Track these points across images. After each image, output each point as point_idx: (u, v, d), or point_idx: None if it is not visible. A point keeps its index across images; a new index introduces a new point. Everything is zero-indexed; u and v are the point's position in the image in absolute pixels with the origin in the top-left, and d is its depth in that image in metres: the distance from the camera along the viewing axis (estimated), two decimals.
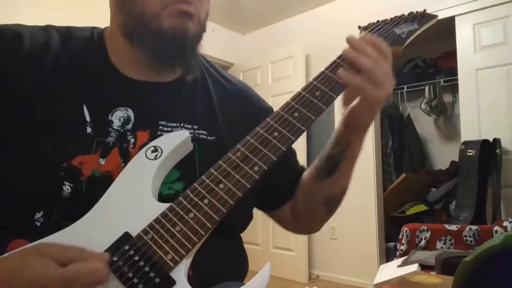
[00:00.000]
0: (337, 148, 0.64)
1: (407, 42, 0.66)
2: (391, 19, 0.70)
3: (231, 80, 0.75)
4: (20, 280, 0.36)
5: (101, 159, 0.55)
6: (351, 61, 0.57)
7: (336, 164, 0.65)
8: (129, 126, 0.58)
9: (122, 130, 0.58)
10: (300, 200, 0.73)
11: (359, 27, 0.69)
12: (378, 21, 0.69)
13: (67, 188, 0.52)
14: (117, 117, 0.58)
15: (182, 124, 0.62)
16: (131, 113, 0.59)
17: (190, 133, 0.61)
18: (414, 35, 0.68)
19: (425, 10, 0.71)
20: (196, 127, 0.63)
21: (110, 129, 0.57)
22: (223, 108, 0.68)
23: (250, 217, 0.70)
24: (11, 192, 0.52)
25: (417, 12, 0.71)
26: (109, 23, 0.65)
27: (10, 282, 0.36)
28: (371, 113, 0.60)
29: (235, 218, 0.62)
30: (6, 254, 0.41)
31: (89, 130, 0.56)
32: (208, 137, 0.63)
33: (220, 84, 0.72)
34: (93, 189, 0.52)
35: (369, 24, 0.68)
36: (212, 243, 0.52)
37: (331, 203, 0.69)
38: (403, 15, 0.71)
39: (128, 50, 0.61)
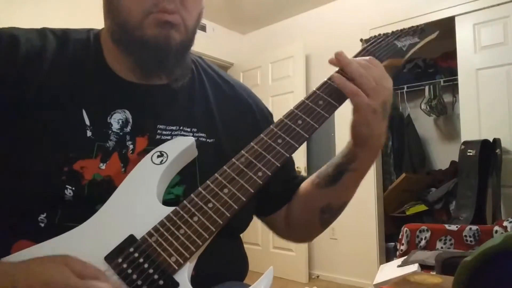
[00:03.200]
0: (344, 158, 0.64)
1: (408, 55, 0.68)
2: (392, 32, 0.72)
3: (229, 81, 0.74)
4: (39, 279, 0.38)
5: (101, 164, 0.55)
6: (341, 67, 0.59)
7: (341, 174, 0.64)
8: (128, 129, 0.58)
9: (121, 133, 0.58)
10: (296, 206, 0.72)
11: (361, 39, 0.71)
12: (379, 34, 0.71)
13: (69, 192, 0.52)
14: (116, 119, 0.58)
15: (181, 127, 0.62)
16: (129, 115, 0.59)
17: (190, 136, 0.61)
18: (415, 48, 0.70)
19: (425, 24, 0.74)
20: (195, 130, 0.63)
21: (110, 131, 0.57)
22: (221, 110, 0.68)
23: (250, 218, 0.71)
24: (15, 194, 0.52)
25: (417, 26, 0.73)
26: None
27: (29, 280, 0.39)
28: (368, 125, 0.58)
29: (236, 219, 0.62)
30: (33, 257, 0.42)
31: (89, 133, 0.56)
32: (208, 140, 0.63)
33: (218, 86, 0.72)
34: (95, 193, 0.53)
35: (371, 37, 0.70)
36: (213, 243, 0.52)
37: (328, 213, 0.68)
38: (404, 28, 0.73)
39: (118, 54, 0.61)
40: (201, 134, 0.63)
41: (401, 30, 0.72)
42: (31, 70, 0.56)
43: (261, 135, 0.55)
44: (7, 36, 0.58)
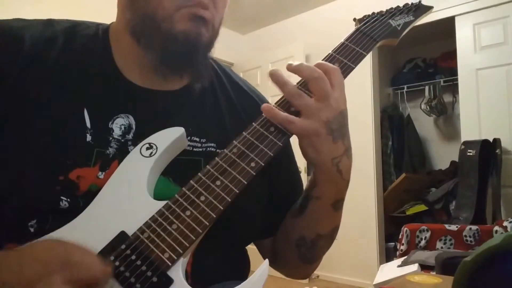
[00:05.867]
0: (308, 184, 0.60)
1: (403, 34, 0.66)
2: (387, 10, 0.69)
3: (243, 87, 0.70)
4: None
5: (100, 173, 0.51)
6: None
7: (307, 202, 0.60)
8: (130, 136, 0.55)
9: (123, 140, 0.54)
10: (278, 236, 0.67)
11: (354, 19, 0.68)
12: (373, 13, 0.68)
13: (64, 203, 0.49)
14: (118, 125, 0.55)
15: (189, 137, 0.57)
16: (132, 121, 0.55)
17: (198, 146, 0.58)
18: (410, 27, 0.67)
19: (420, 1, 0.71)
20: (204, 140, 0.59)
21: (111, 138, 0.53)
22: (233, 119, 0.64)
23: (257, 234, 0.67)
24: (6, 201, 0.48)
25: (412, 3, 0.71)
26: (115, 20, 0.61)
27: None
28: (315, 149, 0.52)
29: (244, 234, 0.61)
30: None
31: (89, 138, 0.52)
32: (218, 150, 0.59)
33: (231, 92, 0.68)
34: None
35: (365, 16, 0.67)
36: (217, 255, 0.51)
37: (304, 247, 0.62)
38: (398, 6, 0.70)
39: (133, 51, 0.57)
40: (210, 144, 0.59)
41: (395, 8, 0.69)
42: (33, 68, 0.52)
43: (253, 123, 0.53)
44: (9, 30, 0.54)
